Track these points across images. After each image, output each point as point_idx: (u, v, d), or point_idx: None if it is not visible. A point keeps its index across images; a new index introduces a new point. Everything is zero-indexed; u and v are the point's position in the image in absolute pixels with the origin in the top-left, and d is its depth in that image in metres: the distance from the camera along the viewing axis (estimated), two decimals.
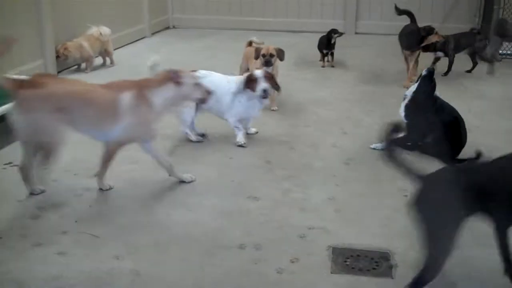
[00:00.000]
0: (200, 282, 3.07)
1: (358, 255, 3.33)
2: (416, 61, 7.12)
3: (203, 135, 5.20)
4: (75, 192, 4.08)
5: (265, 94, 4.95)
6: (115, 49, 8.01)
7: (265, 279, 3.10)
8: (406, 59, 7.18)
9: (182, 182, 4.23)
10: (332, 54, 7.93)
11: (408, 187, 4.17)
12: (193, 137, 5.08)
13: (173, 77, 3.97)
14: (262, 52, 5.86)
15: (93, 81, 6.95)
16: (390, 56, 8.28)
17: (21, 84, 3.78)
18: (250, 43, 6.57)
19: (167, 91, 3.97)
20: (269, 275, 3.13)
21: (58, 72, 7.26)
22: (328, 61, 7.97)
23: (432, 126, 4.74)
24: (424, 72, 4.81)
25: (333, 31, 7.86)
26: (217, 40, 9.74)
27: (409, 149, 4.87)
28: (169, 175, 4.22)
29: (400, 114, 4.87)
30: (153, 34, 10.09)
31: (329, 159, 4.75)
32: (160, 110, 3.99)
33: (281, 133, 5.31)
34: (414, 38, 7.05)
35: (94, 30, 7.48)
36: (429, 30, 7.14)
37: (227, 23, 10.59)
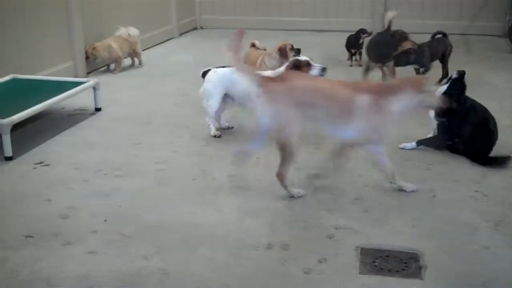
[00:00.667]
0: (227, 282, 3.08)
1: (387, 256, 3.30)
2: (393, 73, 6.57)
3: (228, 128, 5.23)
4: (104, 192, 4.12)
5: (324, 71, 4.96)
6: (143, 50, 8.08)
7: (292, 279, 3.10)
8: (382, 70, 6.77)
9: (404, 190, 4.12)
10: (360, 53, 7.89)
11: (437, 187, 4.15)
12: (213, 131, 5.12)
13: (415, 84, 3.91)
14: (289, 47, 6.06)
15: (121, 81, 7.06)
16: None
17: (269, 78, 3.94)
18: (252, 45, 6.61)
19: (407, 97, 3.86)
20: (297, 275, 3.13)
21: (88, 73, 7.36)
22: (356, 60, 7.93)
23: (462, 125, 4.69)
24: (454, 75, 4.75)
25: (362, 31, 7.82)
26: (245, 40, 9.72)
27: (439, 148, 4.84)
28: (390, 182, 4.16)
29: (430, 114, 4.82)
30: (180, 34, 10.16)
31: (357, 159, 4.71)
32: (397, 114, 3.89)
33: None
34: (385, 48, 6.54)
35: (122, 31, 7.56)
36: (401, 36, 6.56)
37: (255, 23, 10.60)
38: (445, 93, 4.73)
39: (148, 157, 4.76)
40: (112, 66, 7.60)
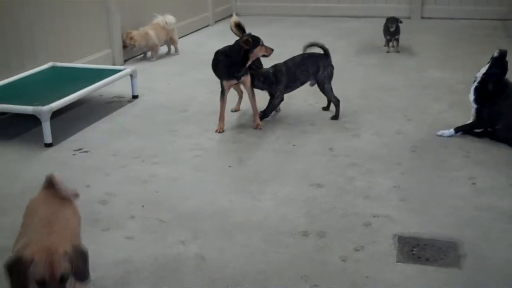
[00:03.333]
0: (264, 269, 3.08)
1: (424, 244, 3.26)
2: (253, 94, 5.09)
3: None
4: (142, 178, 4.17)
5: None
6: (179, 38, 8.11)
7: (329, 267, 3.09)
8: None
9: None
10: (397, 39, 7.78)
11: (477, 175, 4.08)
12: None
13: None
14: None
15: (158, 69, 7.11)
16: (457, 41, 8.05)
17: None
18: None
19: None
20: (333, 263, 3.12)
21: (125, 60, 7.43)
22: (393, 46, 7.82)
23: (503, 111, 4.58)
24: (495, 54, 4.63)
25: (391, 20, 7.67)
26: (281, 27, 9.71)
27: (479, 136, 4.74)
28: None
29: (470, 98, 4.73)
30: (216, 22, 10.16)
31: (394, 146, 4.67)
32: None
33: (344, 120, 5.25)
34: (236, 60, 4.90)
35: (159, 19, 7.59)
36: (251, 41, 4.88)
37: (291, 10, 10.55)
38: (486, 73, 4.62)
39: (185, 144, 4.80)
40: (149, 54, 7.66)
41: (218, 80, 5.09)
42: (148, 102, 5.88)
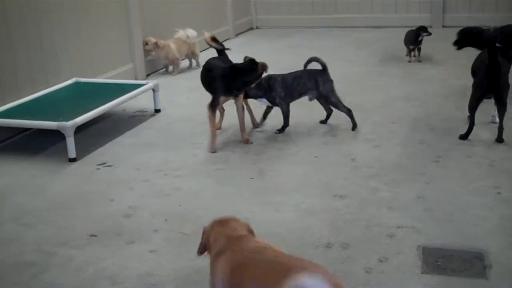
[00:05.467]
0: None
1: (450, 255, 3.23)
2: (248, 108, 5.31)
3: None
4: (165, 191, 4.19)
5: None
6: (200, 51, 8.17)
7: (353, 278, 3.07)
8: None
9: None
10: (419, 49, 7.75)
11: (502, 184, 4.03)
12: None
13: None
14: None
15: (180, 83, 7.15)
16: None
17: None
18: None
19: None
20: (358, 274, 3.09)
21: (147, 75, 7.49)
22: (414, 56, 7.79)
23: None
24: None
25: (422, 29, 7.66)
26: (302, 38, 9.73)
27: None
28: None
29: None
30: (236, 35, 10.22)
31: (417, 156, 4.63)
32: None
33: (366, 131, 5.23)
34: (243, 79, 4.92)
35: (181, 33, 7.66)
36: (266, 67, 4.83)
37: (311, 22, 10.56)
38: None
39: (207, 156, 4.81)
40: (171, 67, 7.72)
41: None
42: (170, 115, 5.93)
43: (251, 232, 2.55)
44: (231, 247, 2.39)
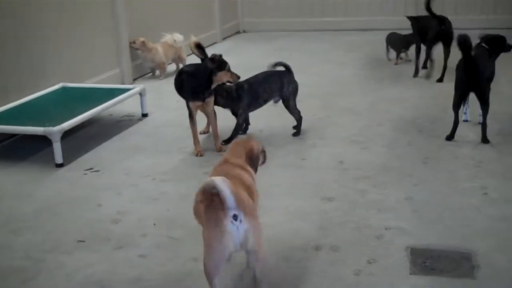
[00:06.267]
0: (277, 284, 3.07)
1: (438, 256, 3.24)
2: (214, 116, 5.04)
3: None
4: (153, 196, 4.18)
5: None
6: (187, 56, 8.16)
7: (342, 280, 3.07)
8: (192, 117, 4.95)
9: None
10: (405, 52, 7.82)
11: (489, 185, 4.06)
12: None
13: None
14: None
15: (167, 87, 7.14)
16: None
17: None
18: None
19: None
20: (347, 277, 3.10)
21: (134, 79, 7.47)
22: (401, 58, 7.84)
23: None
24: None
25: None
26: (289, 42, 9.75)
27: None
28: None
29: None
30: (224, 39, 10.22)
31: (405, 158, 4.66)
32: None
33: (354, 133, 5.25)
34: (202, 81, 4.81)
35: (168, 38, 7.65)
36: (218, 62, 4.76)
37: (298, 25, 10.59)
38: None
39: (194, 160, 4.81)
40: (157, 72, 7.71)
41: None
42: (157, 120, 5.91)
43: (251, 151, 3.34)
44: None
